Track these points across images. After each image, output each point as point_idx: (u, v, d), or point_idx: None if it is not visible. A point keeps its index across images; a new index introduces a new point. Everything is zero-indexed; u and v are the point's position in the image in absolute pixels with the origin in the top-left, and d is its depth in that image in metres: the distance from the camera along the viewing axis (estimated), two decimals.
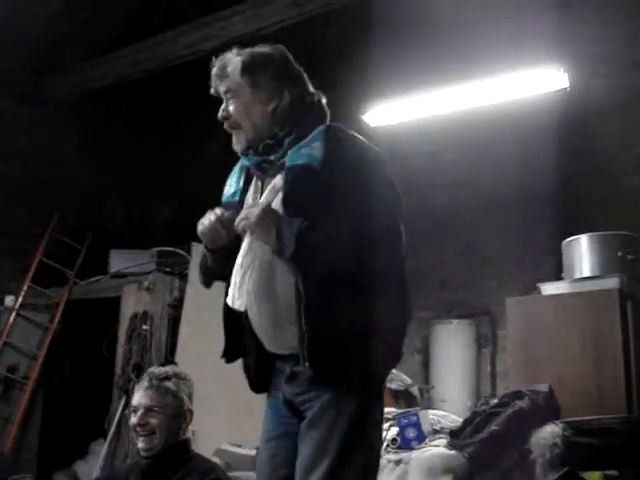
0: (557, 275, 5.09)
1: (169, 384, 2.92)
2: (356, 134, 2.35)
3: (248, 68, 2.33)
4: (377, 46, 6.03)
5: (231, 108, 2.36)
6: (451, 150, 7.47)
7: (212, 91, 2.44)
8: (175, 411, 2.89)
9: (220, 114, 2.39)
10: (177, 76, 6.90)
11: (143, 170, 7.69)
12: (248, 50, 2.39)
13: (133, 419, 2.92)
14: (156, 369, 3.07)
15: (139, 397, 2.93)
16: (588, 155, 6.77)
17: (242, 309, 2.26)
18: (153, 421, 2.85)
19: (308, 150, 2.23)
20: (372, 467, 2.24)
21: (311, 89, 2.40)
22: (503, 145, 7.21)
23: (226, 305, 2.35)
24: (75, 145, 7.20)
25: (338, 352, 2.13)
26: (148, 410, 2.87)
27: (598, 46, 6.13)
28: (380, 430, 2.35)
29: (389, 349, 2.23)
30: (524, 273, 6.76)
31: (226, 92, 2.37)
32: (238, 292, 2.25)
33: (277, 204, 2.25)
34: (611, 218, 6.09)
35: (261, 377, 2.38)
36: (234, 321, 2.37)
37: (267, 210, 2.20)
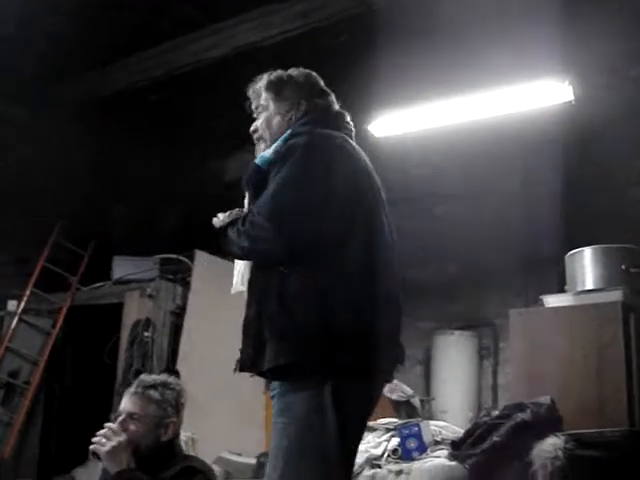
0: (560, 288, 5.08)
1: (154, 393, 2.90)
2: (312, 132, 2.40)
3: (272, 84, 2.58)
4: (382, 57, 6.04)
5: (258, 122, 2.61)
6: (455, 161, 7.48)
7: (254, 114, 2.66)
8: (156, 421, 2.86)
9: (251, 128, 2.63)
10: (184, 83, 6.92)
11: (147, 177, 7.71)
12: (278, 71, 2.63)
13: (115, 422, 2.91)
14: (147, 376, 3.07)
15: (123, 402, 2.93)
16: (592, 167, 6.77)
17: (234, 293, 2.49)
18: (132, 428, 2.83)
19: (266, 151, 2.44)
20: (326, 476, 2.19)
21: (333, 105, 2.61)
22: (507, 157, 7.21)
23: None
24: (81, 152, 7.22)
25: (259, 345, 2.21)
26: (129, 416, 2.86)
27: (602, 58, 6.14)
28: (333, 434, 2.19)
29: (330, 345, 2.16)
30: (527, 285, 6.75)
31: (257, 107, 2.62)
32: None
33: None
34: (615, 231, 6.08)
35: None
36: None
37: (234, 212, 2.43)
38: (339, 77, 2.66)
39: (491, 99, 5.95)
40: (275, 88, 2.58)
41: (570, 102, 5.73)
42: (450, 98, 6.02)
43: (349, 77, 6.37)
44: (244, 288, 2.45)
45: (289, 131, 2.44)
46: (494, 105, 6.00)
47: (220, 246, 2.43)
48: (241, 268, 2.47)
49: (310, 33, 5.84)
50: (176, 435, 2.95)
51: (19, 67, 6.65)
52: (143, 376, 3.07)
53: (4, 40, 6.29)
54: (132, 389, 2.94)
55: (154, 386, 2.93)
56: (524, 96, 5.81)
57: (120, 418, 2.87)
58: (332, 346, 2.16)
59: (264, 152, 2.44)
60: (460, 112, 6.14)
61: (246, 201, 2.50)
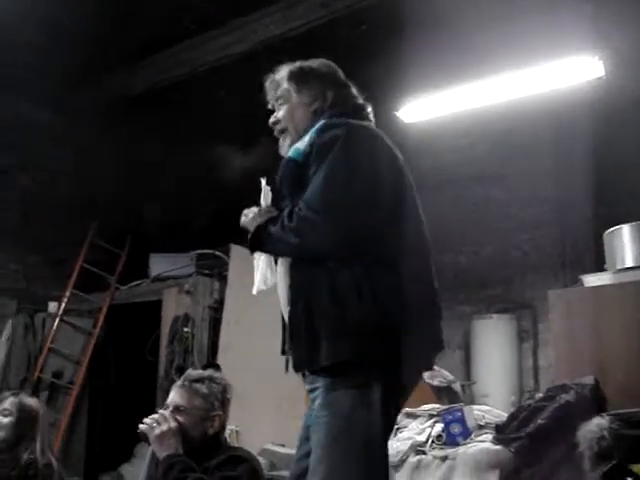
0: (599, 266, 5.02)
1: (200, 386, 2.96)
2: (349, 124, 2.36)
3: (294, 74, 2.54)
4: (408, 42, 5.99)
5: (279, 114, 2.56)
6: (486, 143, 7.43)
7: (269, 105, 2.62)
8: (202, 414, 2.92)
9: (271, 120, 2.58)
10: (208, 80, 6.94)
11: (179, 174, 7.75)
12: (299, 62, 2.59)
13: None
14: (194, 371, 3.13)
15: (171, 395, 3.00)
16: (625, 144, 6.68)
17: (255, 293, 2.47)
18: (179, 420, 2.88)
19: (298, 144, 2.37)
20: (373, 469, 2.19)
21: (357, 97, 2.56)
22: (538, 136, 7.15)
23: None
24: (111, 152, 7.28)
25: (311, 343, 2.17)
26: (176, 409, 2.92)
27: (633, 34, 6.03)
28: (379, 428, 2.20)
29: (384, 340, 2.16)
30: (565, 265, 6.69)
31: (277, 99, 2.57)
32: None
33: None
34: None
35: None
36: None
37: (263, 210, 2.40)
38: (365, 65, 2.64)
39: (521, 78, 5.89)
40: (297, 79, 2.53)
41: (601, 78, 5.65)
42: (478, 79, 5.97)
43: (375, 64, 6.34)
44: (265, 287, 2.44)
45: (322, 122, 2.37)
46: (524, 84, 5.93)
47: (256, 244, 2.36)
48: (262, 267, 2.44)
49: (334, 23, 5.81)
50: (222, 428, 3.00)
51: (43, 71, 6.72)
52: (190, 370, 3.14)
53: (27, 46, 6.37)
54: (179, 382, 3.01)
55: (201, 380, 2.98)
56: (554, 74, 5.75)
57: (168, 411, 2.92)
58: (386, 342, 2.15)
59: (297, 144, 2.37)
60: (489, 93, 6.08)
61: (263, 197, 2.47)
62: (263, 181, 2.51)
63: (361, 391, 2.16)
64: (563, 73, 5.73)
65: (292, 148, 2.39)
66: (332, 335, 2.15)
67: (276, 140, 2.62)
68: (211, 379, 3.01)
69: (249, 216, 2.41)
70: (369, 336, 2.15)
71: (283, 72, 2.57)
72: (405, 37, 6.06)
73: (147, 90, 6.95)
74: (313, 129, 2.36)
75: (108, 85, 7.07)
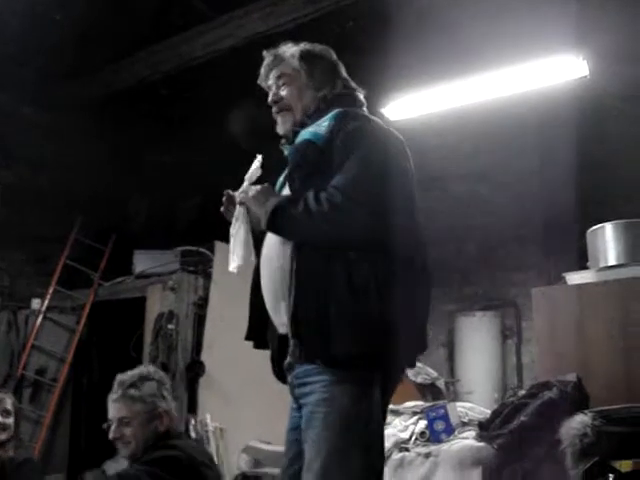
0: (582, 264, 5.05)
1: (135, 391, 2.88)
2: (369, 118, 2.35)
3: (306, 56, 2.47)
4: (395, 39, 6.00)
5: (283, 92, 2.47)
6: (471, 141, 7.45)
7: (259, 80, 2.55)
8: (147, 416, 2.86)
9: (271, 98, 2.50)
10: (195, 76, 6.92)
11: (164, 171, 7.73)
12: (304, 43, 2.52)
13: (109, 433, 2.89)
14: (123, 376, 2.99)
15: (110, 410, 2.91)
16: (608, 142, 6.72)
17: (233, 270, 2.37)
18: (127, 432, 2.83)
19: (315, 128, 2.30)
20: (370, 463, 2.17)
21: (360, 92, 2.54)
22: (523, 135, 7.18)
23: (252, 287, 2.41)
24: (96, 148, 7.25)
25: (324, 332, 2.10)
26: (120, 422, 2.85)
27: (617, 33, 6.07)
28: (377, 423, 2.21)
29: (387, 335, 2.13)
30: (549, 263, 6.73)
31: (280, 77, 2.49)
32: (229, 257, 2.38)
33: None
34: (634, 205, 6.04)
35: (282, 364, 2.34)
36: (260, 304, 2.37)
37: (265, 187, 2.32)
38: (351, 62, 2.62)
39: (506, 77, 5.91)
40: (309, 60, 2.47)
41: (585, 77, 5.68)
42: (464, 78, 5.98)
43: (361, 61, 6.33)
44: (244, 264, 2.35)
45: (339, 110, 2.31)
46: (509, 83, 5.96)
47: (270, 225, 2.22)
48: (240, 243, 2.35)
49: (320, 19, 5.82)
50: (172, 420, 2.94)
51: (31, 65, 6.68)
52: (120, 376, 2.99)
53: (16, 39, 6.33)
54: (114, 395, 2.91)
55: (133, 384, 2.90)
56: (539, 72, 5.77)
57: (113, 426, 2.86)
58: (391, 338, 2.12)
59: (312, 129, 2.30)
60: (475, 92, 6.10)
61: (249, 175, 2.41)
62: (259, 157, 2.45)
63: (363, 385, 2.14)
64: (547, 72, 5.75)
65: (308, 131, 2.31)
66: (348, 326, 2.09)
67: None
68: (142, 378, 2.94)
69: (250, 193, 2.33)
70: (381, 331, 2.11)
71: (292, 50, 2.50)
72: (390, 34, 6.07)
73: (134, 85, 6.92)
74: (330, 115, 2.30)
75: (94, 79, 7.04)
